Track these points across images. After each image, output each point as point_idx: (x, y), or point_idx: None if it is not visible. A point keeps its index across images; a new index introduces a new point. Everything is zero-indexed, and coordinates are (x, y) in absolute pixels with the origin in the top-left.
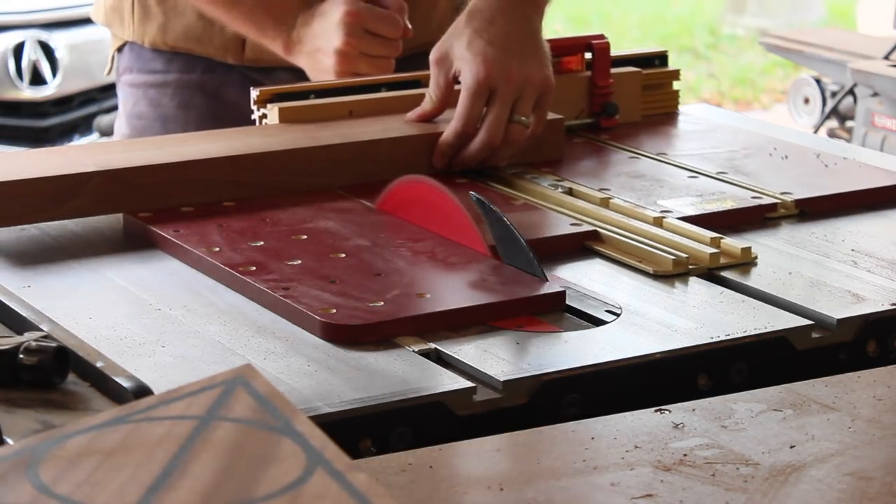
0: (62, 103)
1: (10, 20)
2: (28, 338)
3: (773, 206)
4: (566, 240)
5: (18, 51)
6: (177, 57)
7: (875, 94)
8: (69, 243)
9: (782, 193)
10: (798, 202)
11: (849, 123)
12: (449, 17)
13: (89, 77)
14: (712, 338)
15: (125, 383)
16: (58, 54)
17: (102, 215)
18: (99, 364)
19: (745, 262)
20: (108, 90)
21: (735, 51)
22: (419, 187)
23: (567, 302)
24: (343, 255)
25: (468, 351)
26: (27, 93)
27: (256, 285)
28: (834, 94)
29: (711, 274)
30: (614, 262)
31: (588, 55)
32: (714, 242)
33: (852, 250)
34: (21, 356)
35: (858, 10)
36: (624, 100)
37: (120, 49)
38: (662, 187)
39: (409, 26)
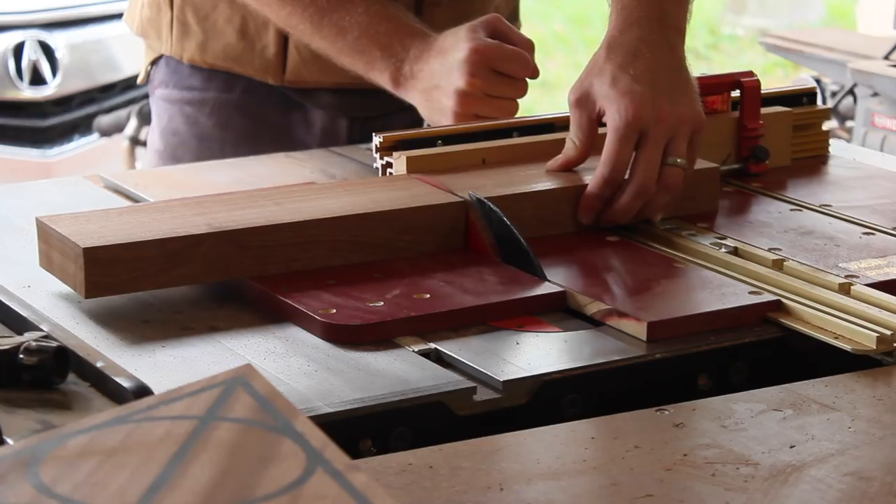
0: (62, 103)
1: (10, 20)
2: (28, 338)
3: None
4: (747, 312)
5: (18, 51)
6: (215, 75)
7: (875, 94)
8: None
9: None
10: None
11: (849, 123)
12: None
13: (89, 77)
14: (712, 338)
15: (125, 383)
16: (58, 54)
17: (212, 281)
18: (99, 364)
19: None
20: (108, 90)
21: (735, 51)
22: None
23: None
24: None
25: (468, 351)
26: (27, 93)
27: (257, 285)
28: (834, 94)
29: None
30: (802, 336)
31: (735, 93)
32: None
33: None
34: (21, 356)
35: (858, 10)
36: (773, 142)
37: (155, 61)
38: (838, 246)
39: (537, 66)
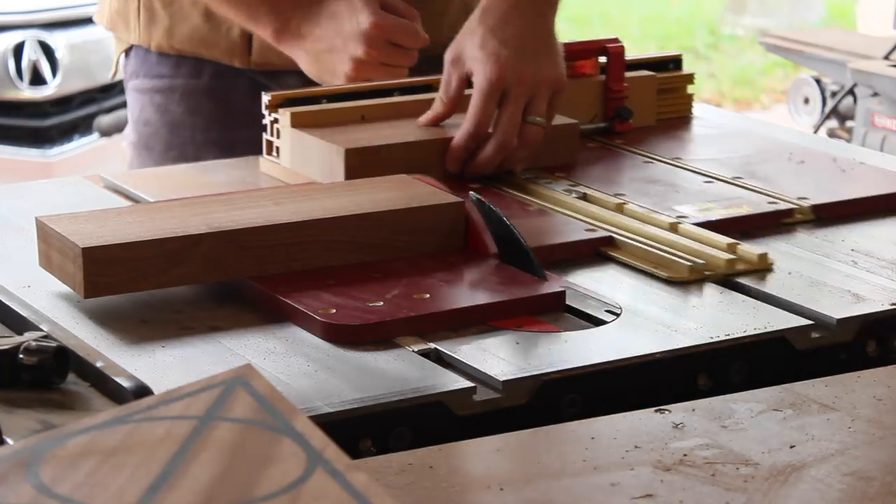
0: (62, 103)
1: (10, 20)
2: (28, 338)
3: (789, 212)
4: (581, 245)
5: (18, 51)
6: (183, 61)
7: (875, 94)
8: None
9: (798, 199)
10: (815, 207)
11: (849, 123)
12: (460, 21)
13: (89, 77)
14: (712, 338)
15: (125, 383)
16: (58, 54)
17: (211, 281)
18: (99, 364)
19: (763, 268)
20: (108, 90)
21: (735, 51)
22: None
23: (567, 302)
24: None
25: (468, 351)
26: (27, 93)
27: (257, 285)
28: (834, 94)
29: (727, 280)
30: (629, 268)
31: (602, 59)
32: (730, 248)
33: (852, 250)
34: (21, 356)
35: (858, 10)
36: (638, 104)
37: (126, 53)
38: (678, 192)
39: (427, 36)
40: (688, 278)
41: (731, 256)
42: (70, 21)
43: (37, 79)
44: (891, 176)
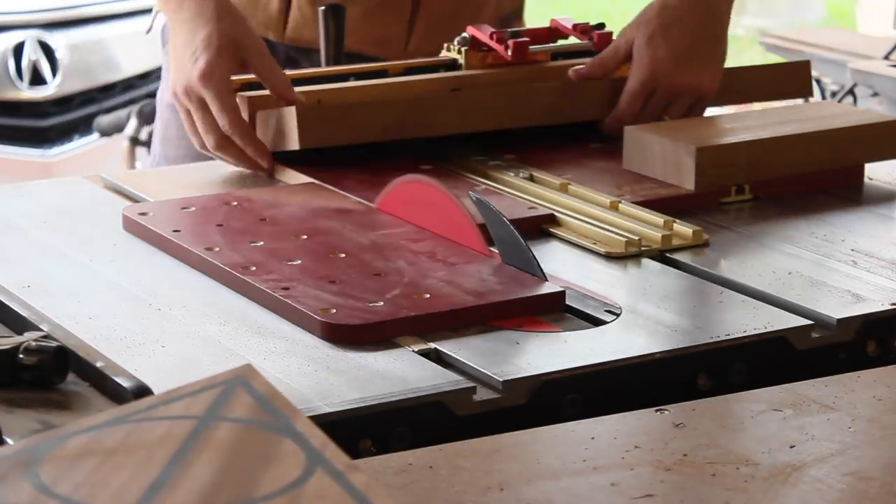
0: (62, 103)
1: (10, 20)
2: (28, 338)
3: (726, 191)
4: (524, 223)
5: (18, 51)
6: None
7: (875, 94)
8: (69, 243)
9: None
10: (753, 187)
11: None
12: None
13: (89, 77)
14: (712, 338)
15: (125, 383)
16: (58, 54)
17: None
18: (99, 364)
19: (697, 244)
20: (109, 90)
21: (735, 51)
22: (419, 187)
23: (567, 302)
24: (343, 255)
25: (468, 351)
26: (27, 93)
27: (256, 285)
28: (834, 94)
29: (664, 256)
30: (570, 244)
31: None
32: (666, 225)
33: (852, 250)
34: (21, 356)
35: (858, 10)
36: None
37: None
38: (622, 175)
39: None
40: (624, 253)
41: (667, 233)
42: (70, 21)
43: (37, 79)
44: None
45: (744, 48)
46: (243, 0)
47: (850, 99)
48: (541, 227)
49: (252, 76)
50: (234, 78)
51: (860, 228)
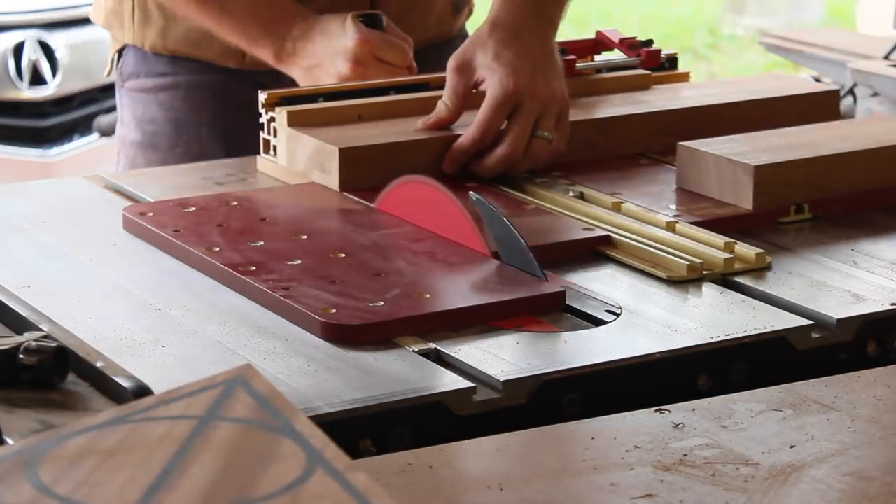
0: (62, 103)
1: (10, 20)
2: (28, 338)
3: (785, 210)
4: (578, 244)
5: (18, 51)
6: (182, 59)
7: (875, 94)
8: (69, 243)
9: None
10: (813, 206)
11: None
12: (447, 15)
13: (89, 77)
14: (712, 338)
15: (125, 383)
16: (58, 54)
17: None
18: (99, 364)
19: (760, 266)
20: (109, 90)
21: (735, 51)
22: (419, 187)
23: (567, 302)
24: (343, 255)
25: (468, 351)
26: (27, 93)
27: (256, 285)
28: None
29: (725, 280)
30: (627, 267)
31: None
32: (727, 247)
33: (852, 250)
34: (21, 356)
35: (858, 10)
36: None
37: (120, 52)
38: (674, 191)
39: (415, 65)
40: (686, 277)
41: (729, 255)
42: (70, 21)
43: (37, 79)
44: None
45: (744, 48)
46: (198, 31)
47: (850, 99)
48: (596, 248)
49: (288, 90)
50: (269, 92)
51: (861, 228)
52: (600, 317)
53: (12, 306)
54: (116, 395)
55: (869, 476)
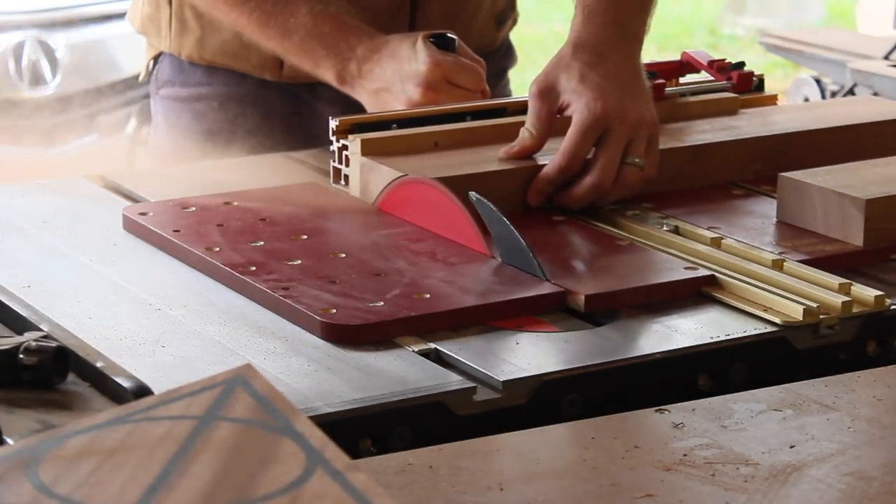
0: (62, 103)
1: (10, 20)
2: (28, 338)
3: None
4: (681, 285)
5: (18, 51)
6: (219, 70)
7: (875, 94)
8: (69, 243)
9: None
10: None
11: None
12: (490, 28)
13: (89, 77)
14: (712, 338)
15: (125, 383)
16: (58, 54)
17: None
18: (99, 364)
19: (879, 310)
20: (108, 90)
21: (735, 51)
22: (419, 187)
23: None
24: (343, 255)
25: (468, 351)
26: (27, 93)
27: (256, 285)
28: (834, 94)
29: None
30: (735, 310)
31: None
32: (843, 289)
33: None
34: (21, 356)
35: (858, 10)
36: None
37: (155, 59)
38: (776, 225)
39: (488, 88)
40: (801, 322)
41: (846, 298)
42: (70, 21)
43: (37, 79)
44: None
45: (744, 48)
46: (235, 42)
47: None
48: (700, 289)
49: (360, 116)
50: (341, 119)
51: None
52: (600, 317)
53: (12, 306)
54: (116, 395)
55: (869, 476)
